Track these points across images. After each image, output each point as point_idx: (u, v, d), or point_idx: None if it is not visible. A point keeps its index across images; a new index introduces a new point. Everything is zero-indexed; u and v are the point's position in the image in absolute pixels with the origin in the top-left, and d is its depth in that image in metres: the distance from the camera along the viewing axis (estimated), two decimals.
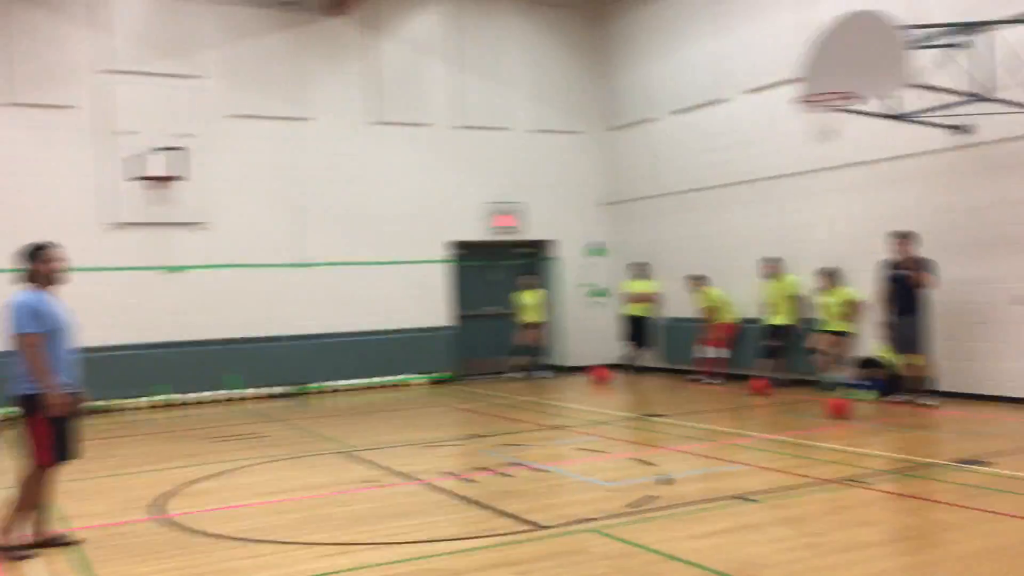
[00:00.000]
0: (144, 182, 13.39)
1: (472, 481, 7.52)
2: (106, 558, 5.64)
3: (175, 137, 13.60)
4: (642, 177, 16.34)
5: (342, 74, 15.11)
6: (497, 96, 16.30)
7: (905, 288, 10.75)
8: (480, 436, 9.92)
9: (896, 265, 10.90)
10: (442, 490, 7.23)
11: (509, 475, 7.67)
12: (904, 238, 10.85)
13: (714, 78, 14.64)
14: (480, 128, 16.15)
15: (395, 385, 15.22)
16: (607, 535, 5.72)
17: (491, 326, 16.69)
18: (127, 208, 13.41)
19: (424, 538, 5.86)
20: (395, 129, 15.46)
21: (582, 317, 17.02)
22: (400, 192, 15.46)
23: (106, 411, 13.01)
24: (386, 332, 15.23)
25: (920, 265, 10.68)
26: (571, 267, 16.98)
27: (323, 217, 14.86)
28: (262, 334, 14.32)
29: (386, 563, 5.32)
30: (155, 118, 13.57)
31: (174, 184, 13.55)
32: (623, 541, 5.57)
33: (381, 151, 15.34)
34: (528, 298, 16.12)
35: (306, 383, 14.56)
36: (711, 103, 14.73)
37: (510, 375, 15.99)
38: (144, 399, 13.39)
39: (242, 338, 14.16)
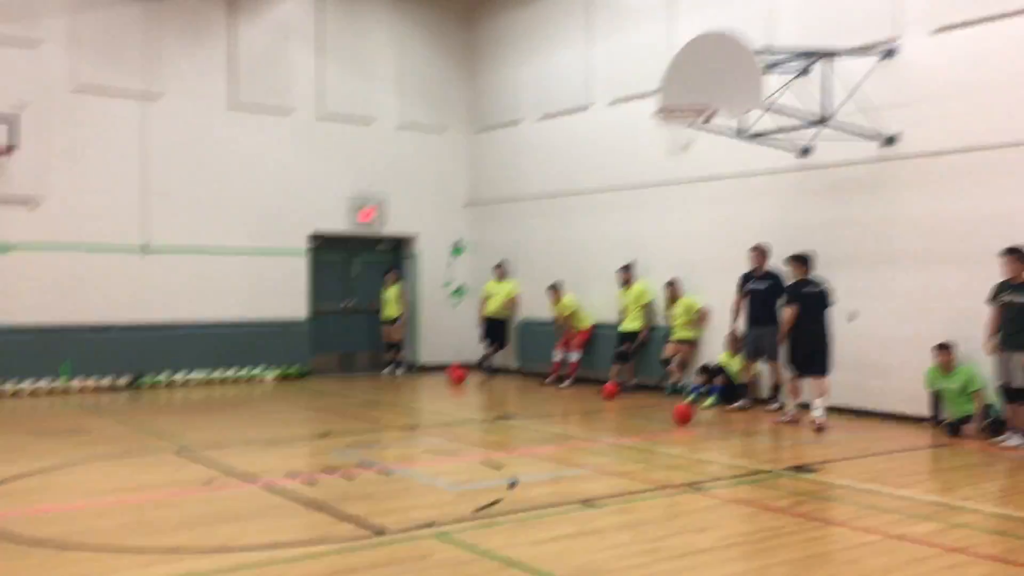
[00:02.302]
0: None
1: (315, 483, 7.29)
2: None
3: (8, 106, 12.64)
4: (505, 179, 16.39)
5: (199, 53, 14.43)
6: (362, 88, 15.97)
7: (760, 299, 11.21)
8: (328, 436, 9.65)
9: (752, 277, 11.36)
10: (283, 492, 6.96)
11: (354, 477, 7.48)
12: (760, 251, 11.35)
13: (579, 86, 14.84)
14: (344, 119, 15.79)
15: (241, 380, 14.66)
16: (449, 541, 5.63)
17: (348, 321, 16.36)
18: None
19: (259, 544, 5.60)
20: (255, 115, 14.90)
21: (440, 315, 16.91)
22: (258, 180, 14.91)
23: None
24: (234, 324, 14.62)
25: (773, 277, 11.20)
26: (431, 264, 16.84)
27: (173, 200, 14.14)
28: (96, 320, 13.49)
29: (216, 571, 5.04)
30: None
31: (5, 156, 12.60)
32: (465, 547, 5.50)
33: (239, 136, 14.75)
34: (388, 293, 15.91)
35: (143, 375, 13.81)
36: (575, 110, 14.93)
37: (366, 372, 15.70)
38: None
39: (74, 324, 13.29)
